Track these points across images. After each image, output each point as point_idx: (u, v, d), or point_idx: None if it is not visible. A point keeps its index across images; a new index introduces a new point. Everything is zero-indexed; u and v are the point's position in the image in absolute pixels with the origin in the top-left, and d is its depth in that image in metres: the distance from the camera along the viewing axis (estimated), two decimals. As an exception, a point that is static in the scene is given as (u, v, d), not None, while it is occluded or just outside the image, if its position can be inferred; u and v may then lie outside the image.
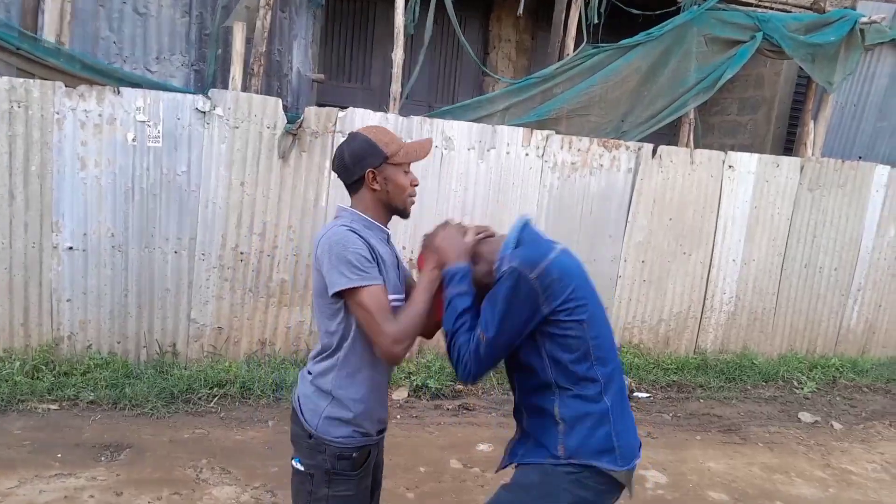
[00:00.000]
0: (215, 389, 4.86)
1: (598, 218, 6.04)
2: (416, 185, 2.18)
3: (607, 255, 6.14)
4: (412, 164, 2.14)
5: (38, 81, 4.52)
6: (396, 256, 2.21)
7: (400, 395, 5.18)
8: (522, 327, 1.98)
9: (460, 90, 7.77)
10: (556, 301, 1.97)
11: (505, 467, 2.26)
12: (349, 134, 2.14)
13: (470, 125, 5.56)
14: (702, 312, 6.58)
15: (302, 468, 2.09)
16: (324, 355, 2.08)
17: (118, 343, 4.95)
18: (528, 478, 2.07)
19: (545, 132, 5.75)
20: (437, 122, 5.47)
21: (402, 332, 1.94)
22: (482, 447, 4.56)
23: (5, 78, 4.45)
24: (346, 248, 1.95)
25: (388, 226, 2.18)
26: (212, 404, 4.75)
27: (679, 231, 6.34)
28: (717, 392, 6.08)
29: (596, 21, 6.26)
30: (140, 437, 4.22)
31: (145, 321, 4.98)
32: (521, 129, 5.70)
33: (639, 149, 6.08)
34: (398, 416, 4.89)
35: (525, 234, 2.15)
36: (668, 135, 7.58)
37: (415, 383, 5.26)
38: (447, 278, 2.08)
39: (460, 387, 5.37)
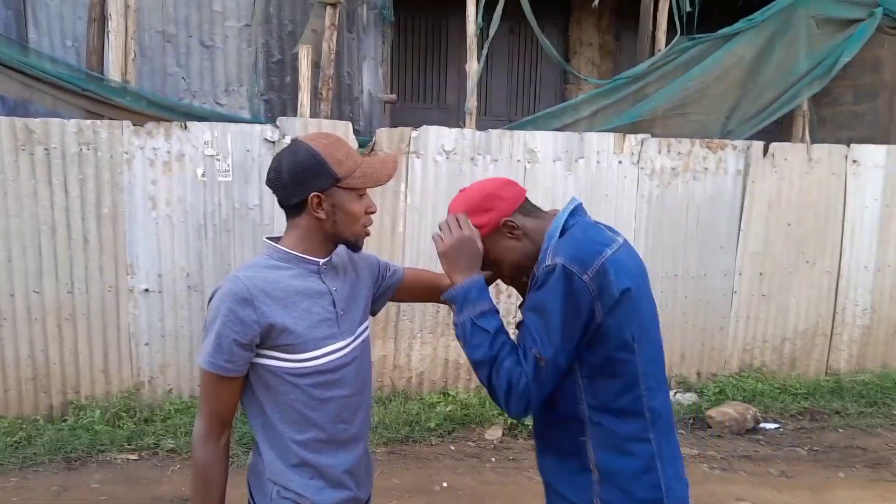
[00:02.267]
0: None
1: (705, 228, 5.41)
2: (373, 213, 1.70)
3: (719, 269, 5.49)
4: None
5: (106, 122, 4.43)
6: (352, 281, 1.77)
7: (493, 434, 4.72)
8: (581, 340, 1.52)
9: (541, 101, 7.32)
10: (608, 309, 1.51)
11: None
12: (292, 142, 1.66)
13: (555, 134, 5.10)
14: (832, 328, 5.79)
15: None
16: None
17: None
18: None
19: (639, 136, 5.21)
20: (518, 134, 5.04)
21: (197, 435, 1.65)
22: (589, 495, 4.03)
23: (73, 121, 4.38)
24: (218, 309, 1.55)
25: (333, 253, 1.71)
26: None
27: (800, 238, 5.61)
28: (857, 419, 5.27)
29: (689, 9, 5.69)
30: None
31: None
32: (611, 134, 5.18)
33: (747, 148, 5.43)
34: (492, 459, 4.44)
35: (575, 220, 1.66)
36: (775, 132, 6.84)
37: (509, 421, 4.79)
38: (459, 300, 1.63)
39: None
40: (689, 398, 5.32)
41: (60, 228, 4.45)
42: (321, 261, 1.67)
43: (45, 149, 4.36)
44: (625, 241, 1.65)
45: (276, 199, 1.66)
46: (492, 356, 1.56)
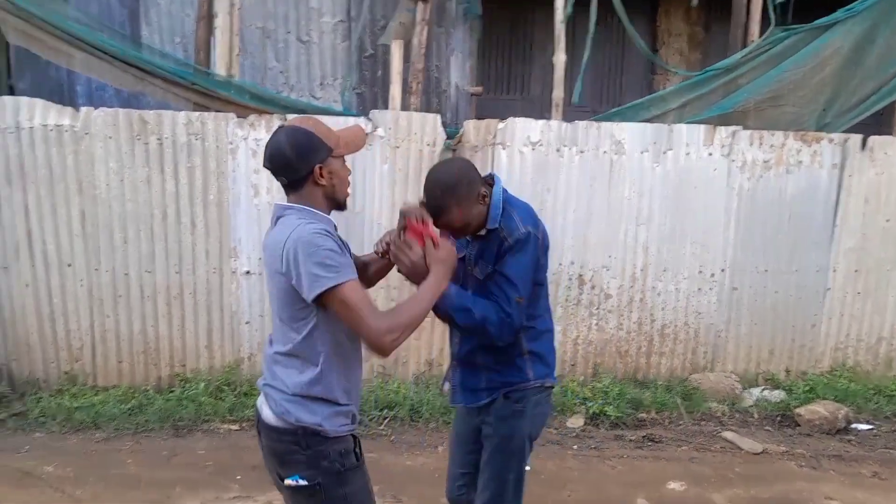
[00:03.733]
0: (385, 411, 4.77)
1: (798, 222, 5.28)
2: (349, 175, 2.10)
3: (811, 265, 5.34)
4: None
5: (213, 114, 4.72)
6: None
7: (575, 422, 4.78)
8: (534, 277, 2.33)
9: (626, 93, 7.25)
10: (544, 255, 2.36)
11: (469, 405, 2.52)
12: (281, 129, 1.97)
13: (643, 126, 5.08)
14: (933, 329, 5.54)
15: (306, 482, 1.97)
16: (300, 367, 1.97)
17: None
18: (507, 408, 2.38)
19: (731, 128, 5.13)
20: (605, 125, 5.05)
21: (394, 325, 1.88)
22: (673, 485, 4.04)
23: (183, 112, 4.70)
24: (319, 247, 1.85)
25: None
26: (382, 426, 4.66)
27: (900, 234, 5.39)
28: (958, 423, 5.05)
29: (781, 0, 5.54)
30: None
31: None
32: (701, 126, 5.12)
33: (844, 141, 5.25)
34: (574, 447, 4.50)
35: (506, 195, 2.35)
36: (874, 125, 6.55)
37: (591, 410, 4.83)
38: (450, 305, 2.20)
39: (643, 415, 4.86)
40: (777, 395, 5.21)
41: (171, 213, 4.79)
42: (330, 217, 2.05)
43: (158, 139, 4.70)
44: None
45: (278, 178, 1.97)
46: (482, 319, 2.22)
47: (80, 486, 3.87)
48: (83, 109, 4.69)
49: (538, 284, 2.36)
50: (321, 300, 1.86)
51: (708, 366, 5.41)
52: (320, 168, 1.94)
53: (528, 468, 2.44)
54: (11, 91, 4.93)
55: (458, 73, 6.00)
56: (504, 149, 4.98)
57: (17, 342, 4.88)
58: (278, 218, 2.00)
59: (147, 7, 5.62)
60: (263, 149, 2.02)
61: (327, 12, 5.49)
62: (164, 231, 4.81)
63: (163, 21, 5.64)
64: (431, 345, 5.14)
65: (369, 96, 5.49)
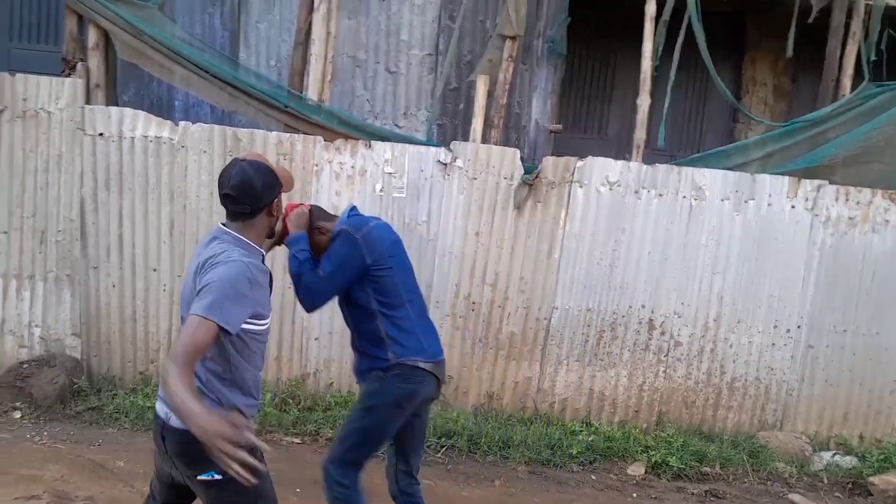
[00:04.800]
0: (443, 439, 4.78)
1: (882, 283, 5.10)
2: None
3: (894, 329, 5.13)
4: None
5: (301, 136, 4.91)
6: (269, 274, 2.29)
7: (636, 470, 4.68)
8: (353, 272, 2.79)
9: (706, 139, 7.19)
10: (374, 255, 2.80)
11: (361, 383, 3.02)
12: (244, 161, 2.16)
13: (725, 173, 5.03)
14: None
15: (220, 476, 2.05)
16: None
17: (357, 383, 5.08)
18: (372, 382, 2.90)
19: (816, 182, 5.02)
20: (686, 170, 5.02)
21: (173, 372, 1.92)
22: (736, 545, 3.91)
23: (275, 133, 4.90)
24: (236, 284, 2.03)
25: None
26: (440, 455, 4.67)
27: None
28: None
29: (874, 58, 5.43)
30: (372, 482, 4.20)
31: (381, 365, 5.08)
32: (785, 178, 5.03)
33: (937, 202, 5.07)
34: (634, 495, 4.41)
35: (353, 213, 3.00)
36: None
37: (653, 459, 4.73)
38: (293, 240, 2.80)
39: (707, 469, 4.73)
40: (848, 461, 4.99)
41: (254, 228, 4.97)
42: (264, 251, 2.31)
43: (250, 156, 4.90)
44: (383, 222, 3.04)
45: (237, 206, 2.15)
46: (299, 272, 2.76)
47: (147, 484, 4.00)
48: (182, 123, 4.95)
49: (382, 270, 2.83)
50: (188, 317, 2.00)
51: (777, 424, 5.23)
52: (277, 201, 2.24)
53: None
54: (115, 102, 5.24)
55: (539, 109, 6.07)
56: (581, 187, 5.00)
57: (99, 339, 5.12)
58: (214, 238, 2.19)
59: (247, 31, 5.92)
60: (220, 176, 2.15)
61: (416, 45, 5.67)
62: (246, 244, 4.98)
63: (260, 45, 5.93)
64: (493, 377, 5.14)
65: (450, 128, 5.62)
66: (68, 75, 5.04)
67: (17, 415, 4.72)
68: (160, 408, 2.22)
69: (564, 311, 5.10)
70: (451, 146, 4.96)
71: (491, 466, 4.60)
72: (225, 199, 2.16)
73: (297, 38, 5.09)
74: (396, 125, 5.77)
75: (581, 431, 4.98)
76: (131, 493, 3.88)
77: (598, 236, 5.05)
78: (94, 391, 5.01)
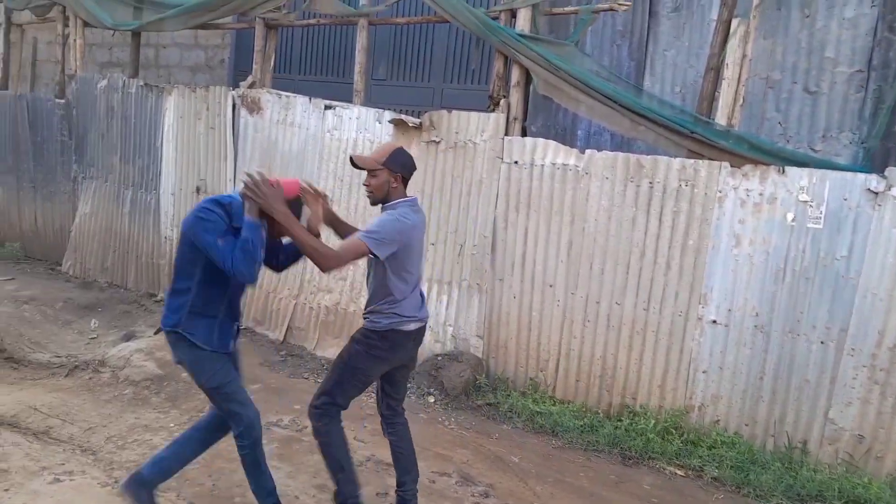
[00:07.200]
0: (849, 507, 4.19)
1: None
2: None
3: None
4: None
5: (706, 162, 4.80)
6: None
7: None
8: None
9: None
10: None
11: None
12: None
13: None
14: None
15: None
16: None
17: (746, 425, 4.77)
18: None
19: None
20: None
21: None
22: None
23: (678, 159, 4.89)
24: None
25: None
26: (846, 523, 4.10)
27: None
28: None
29: None
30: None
31: (777, 409, 4.67)
32: None
33: None
34: None
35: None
36: None
37: None
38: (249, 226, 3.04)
39: None
40: None
41: (648, 253, 5.02)
42: None
43: (650, 182, 4.98)
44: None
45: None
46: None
47: (539, 483, 4.32)
48: (587, 152, 5.26)
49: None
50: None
51: None
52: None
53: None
54: (524, 133, 5.79)
55: None
56: None
57: (498, 343, 5.71)
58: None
59: (653, 59, 6.02)
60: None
61: (844, 62, 5.10)
62: (638, 268, 5.07)
63: (666, 72, 5.97)
64: None
65: (880, 151, 4.91)
66: (492, 110, 5.75)
67: (431, 399, 5.51)
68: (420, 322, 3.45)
69: None
70: (887, 172, 4.33)
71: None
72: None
73: (709, 62, 5.00)
74: (812, 149, 5.26)
75: None
76: (525, 489, 4.22)
77: None
78: (491, 389, 5.59)
